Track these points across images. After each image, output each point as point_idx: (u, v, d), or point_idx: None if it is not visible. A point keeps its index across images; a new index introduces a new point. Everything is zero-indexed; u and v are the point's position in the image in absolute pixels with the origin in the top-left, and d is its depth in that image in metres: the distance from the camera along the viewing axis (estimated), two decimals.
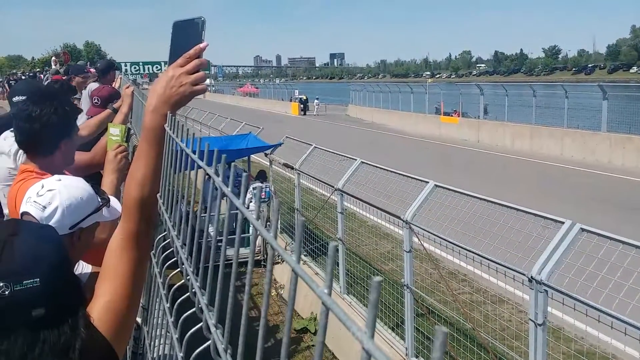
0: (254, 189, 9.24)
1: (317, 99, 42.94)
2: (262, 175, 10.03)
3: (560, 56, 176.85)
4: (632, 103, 18.73)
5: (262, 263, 8.46)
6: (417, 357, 5.46)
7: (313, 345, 6.78)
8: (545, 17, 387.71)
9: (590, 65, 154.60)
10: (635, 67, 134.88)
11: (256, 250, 9.11)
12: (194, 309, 0.79)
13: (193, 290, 0.80)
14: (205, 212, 0.91)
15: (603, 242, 3.65)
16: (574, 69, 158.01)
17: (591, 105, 20.40)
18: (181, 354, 0.87)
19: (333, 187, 7.04)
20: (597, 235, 3.71)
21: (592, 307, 3.46)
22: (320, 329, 0.39)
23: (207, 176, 0.80)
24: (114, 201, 1.82)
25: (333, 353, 6.49)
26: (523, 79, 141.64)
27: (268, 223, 9.34)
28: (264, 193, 8.90)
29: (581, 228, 3.80)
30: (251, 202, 9.14)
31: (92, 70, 8.26)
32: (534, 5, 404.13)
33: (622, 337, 3.37)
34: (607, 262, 3.60)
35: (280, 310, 7.68)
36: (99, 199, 1.71)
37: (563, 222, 3.91)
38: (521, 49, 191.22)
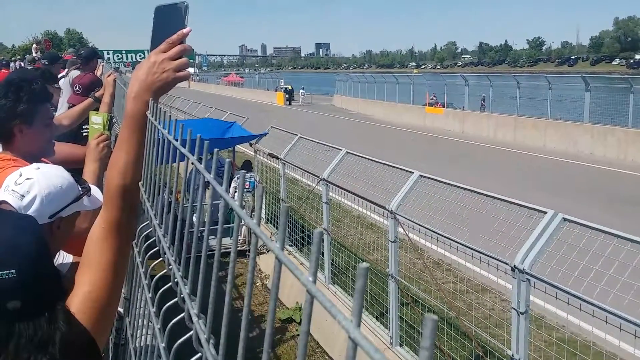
0: (238, 178, 9.21)
1: (303, 89, 42.80)
2: (247, 165, 9.98)
3: (544, 48, 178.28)
4: (614, 95, 18.96)
5: (247, 253, 8.44)
6: (401, 345, 5.50)
7: (298, 335, 6.79)
8: (529, 8, 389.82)
9: (573, 57, 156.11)
10: (617, 59, 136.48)
11: (241, 240, 9.09)
12: (176, 299, 0.78)
13: (175, 280, 0.79)
14: (189, 201, 0.89)
15: (585, 232, 3.69)
16: (557, 60, 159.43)
17: (572, 97, 20.65)
18: (163, 345, 0.85)
19: (318, 177, 7.03)
20: (579, 225, 3.75)
21: (573, 295, 3.51)
22: (305, 318, 0.38)
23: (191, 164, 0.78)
24: (95, 190, 1.78)
25: (318, 342, 6.52)
26: (507, 70, 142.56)
27: (253, 213, 9.31)
28: (248, 183, 8.86)
29: (563, 218, 3.85)
30: (236, 191, 9.12)
31: (69, 56, 8.12)
32: None
33: (603, 325, 3.43)
34: (588, 251, 3.65)
35: (265, 300, 7.68)
36: (80, 188, 1.67)
37: (546, 212, 3.95)
38: (505, 40, 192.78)
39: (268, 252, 8.51)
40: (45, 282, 1.09)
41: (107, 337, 1.27)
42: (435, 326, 0.28)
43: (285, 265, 0.42)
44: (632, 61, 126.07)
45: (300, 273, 0.39)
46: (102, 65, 6.78)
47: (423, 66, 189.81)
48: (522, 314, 3.91)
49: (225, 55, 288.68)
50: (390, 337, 5.52)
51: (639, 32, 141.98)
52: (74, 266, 1.51)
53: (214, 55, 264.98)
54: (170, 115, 1.01)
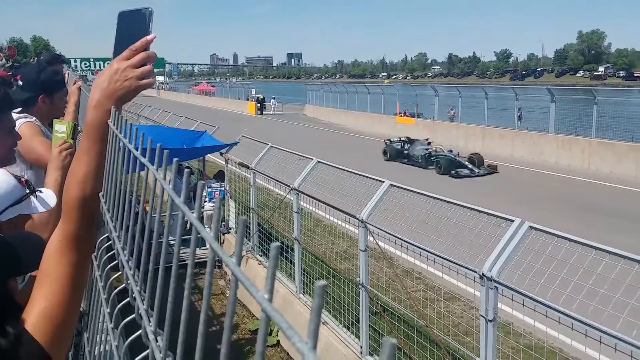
0: (208, 187, 9.09)
1: (274, 98, 42.74)
2: (220, 176, 9.88)
3: (510, 60, 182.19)
4: (578, 105, 19.49)
5: (217, 264, 8.34)
6: (371, 355, 5.49)
7: (267, 346, 6.72)
8: (496, 21, 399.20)
9: (539, 69, 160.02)
10: (581, 71, 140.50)
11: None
12: (134, 315, 0.75)
13: (133, 295, 0.76)
14: (151, 212, 0.86)
15: (550, 240, 3.76)
16: (523, 72, 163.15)
17: (536, 107, 21.18)
18: None
19: (289, 186, 7.00)
20: (545, 233, 3.82)
21: (540, 302, 3.56)
22: (260, 337, 0.36)
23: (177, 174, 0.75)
24: (47, 193, 1.71)
25: (288, 353, 6.46)
26: (475, 81, 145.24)
27: (223, 223, 9.20)
28: (218, 192, 8.77)
29: (530, 226, 3.91)
30: (206, 201, 9.00)
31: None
32: (486, 9, 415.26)
33: (569, 332, 3.48)
34: (554, 258, 3.72)
35: (235, 311, 7.57)
36: (26, 190, 1.60)
37: (513, 221, 4.01)
38: (474, 52, 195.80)
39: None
40: None
41: (64, 354, 1.21)
42: (394, 351, 0.27)
43: (241, 282, 0.40)
44: (595, 73, 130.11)
45: (256, 290, 0.37)
46: (68, 73, 6.64)
47: (394, 76, 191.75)
48: (490, 321, 3.94)
49: (196, 64, 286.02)
50: (361, 346, 5.51)
51: (602, 45, 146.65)
52: (33, 279, 1.45)
53: (184, 63, 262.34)
54: (131, 124, 0.97)
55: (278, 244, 0.37)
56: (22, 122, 3.15)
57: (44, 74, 3.57)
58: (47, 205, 1.63)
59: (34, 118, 3.30)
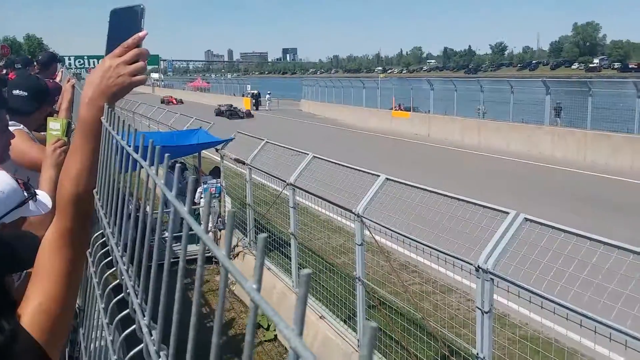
0: (204, 183, 9.09)
1: (269, 94, 42.68)
2: (216, 172, 9.88)
3: (506, 53, 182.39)
4: (573, 98, 19.53)
5: (214, 259, 8.35)
6: None
7: (265, 341, 6.75)
8: (491, 14, 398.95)
9: (534, 62, 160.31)
10: (576, 64, 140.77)
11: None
12: (128, 310, 0.75)
13: (127, 290, 0.76)
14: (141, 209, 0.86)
15: (545, 231, 3.78)
16: (519, 64, 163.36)
17: (533, 100, 21.21)
18: (115, 357, 0.82)
19: (285, 181, 7.01)
20: (540, 225, 3.84)
21: (535, 293, 3.58)
22: (249, 327, 0.37)
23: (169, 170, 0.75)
24: (42, 195, 1.72)
25: (285, 348, 6.48)
26: (471, 74, 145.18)
27: (220, 219, 9.20)
28: (214, 188, 8.77)
29: (525, 218, 3.93)
30: (202, 198, 9.00)
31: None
32: (482, 2, 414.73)
33: (564, 322, 3.51)
34: (549, 250, 3.74)
35: (231, 306, 7.60)
36: (25, 193, 1.61)
37: (508, 213, 4.02)
38: (469, 46, 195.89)
39: (236, 257, 8.44)
40: None
41: (60, 349, 1.22)
42: (375, 334, 0.28)
43: (231, 272, 0.41)
44: (590, 65, 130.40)
45: (245, 280, 0.38)
46: (62, 71, 6.62)
47: (389, 71, 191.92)
48: (486, 313, 3.97)
49: (191, 61, 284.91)
50: (358, 340, 5.53)
51: (597, 37, 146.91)
52: (29, 276, 1.45)
53: (179, 60, 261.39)
54: (124, 120, 0.98)
55: (265, 235, 0.37)
56: (11, 129, 3.15)
57: (42, 83, 3.56)
58: (46, 208, 1.64)
59: (22, 125, 3.29)
